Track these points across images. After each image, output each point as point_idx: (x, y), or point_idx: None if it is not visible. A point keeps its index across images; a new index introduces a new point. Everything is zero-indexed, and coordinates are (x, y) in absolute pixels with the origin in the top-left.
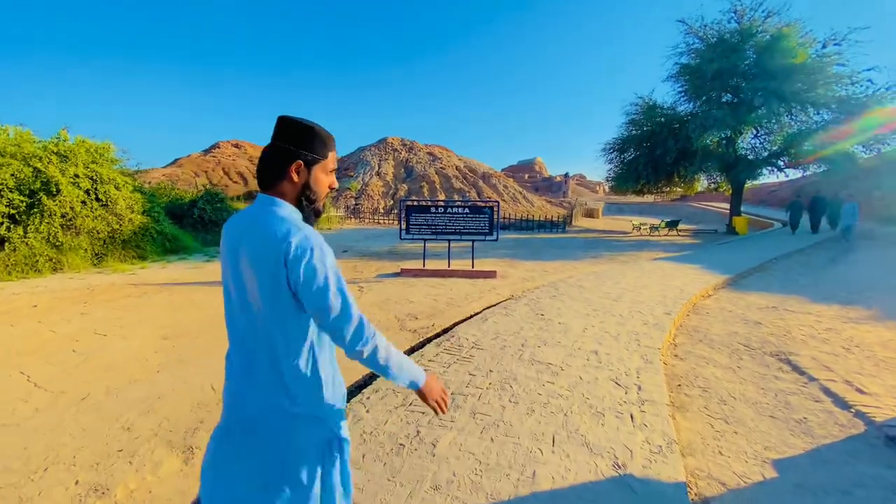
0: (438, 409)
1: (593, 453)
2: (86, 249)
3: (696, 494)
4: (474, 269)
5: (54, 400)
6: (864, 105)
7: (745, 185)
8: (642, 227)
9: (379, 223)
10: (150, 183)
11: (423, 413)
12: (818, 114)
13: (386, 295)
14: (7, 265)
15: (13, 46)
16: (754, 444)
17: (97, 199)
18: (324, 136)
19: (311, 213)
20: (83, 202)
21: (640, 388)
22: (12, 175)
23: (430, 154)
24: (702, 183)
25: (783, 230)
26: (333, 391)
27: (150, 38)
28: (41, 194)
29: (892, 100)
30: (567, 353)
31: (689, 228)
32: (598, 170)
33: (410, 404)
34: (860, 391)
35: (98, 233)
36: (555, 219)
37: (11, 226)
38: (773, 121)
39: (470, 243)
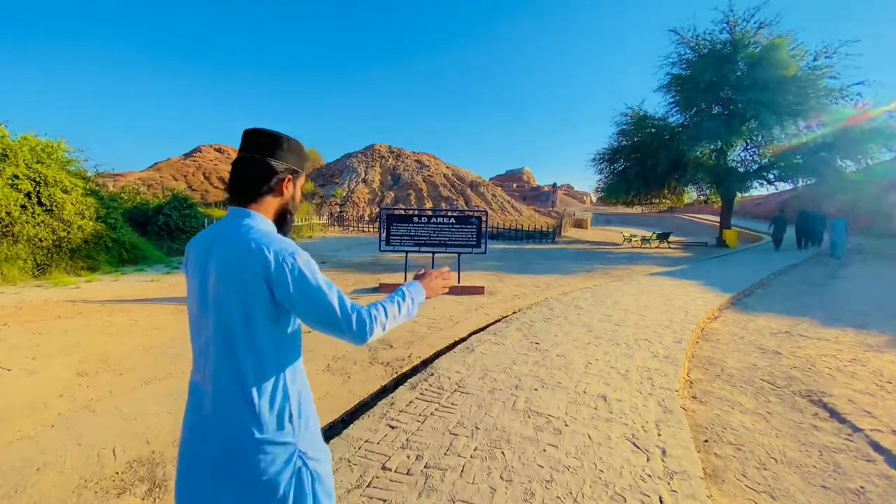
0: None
1: None
2: (25, 260)
3: None
4: (460, 284)
5: None
6: (852, 118)
7: (736, 198)
8: (633, 239)
9: (364, 231)
10: (121, 188)
11: (384, 502)
12: (808, 127)
13: None
14: None
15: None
16: None
17: (40, 204)
18: (302, 147)
19: (289, 227)
20: (23, 206)
21: (664, 451)
22: None
23: (417, 161)
24: (691, 195)
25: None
26: (301, 415)
27: (128, 37)
28: None
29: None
30: (570, 400)
31: (679, 241)
32: (585, 180)
33: (368, 485)
34: None
35: (41, 241)
36: (544, 229)
37: None
38: (765, 133)
39: (456, 256)
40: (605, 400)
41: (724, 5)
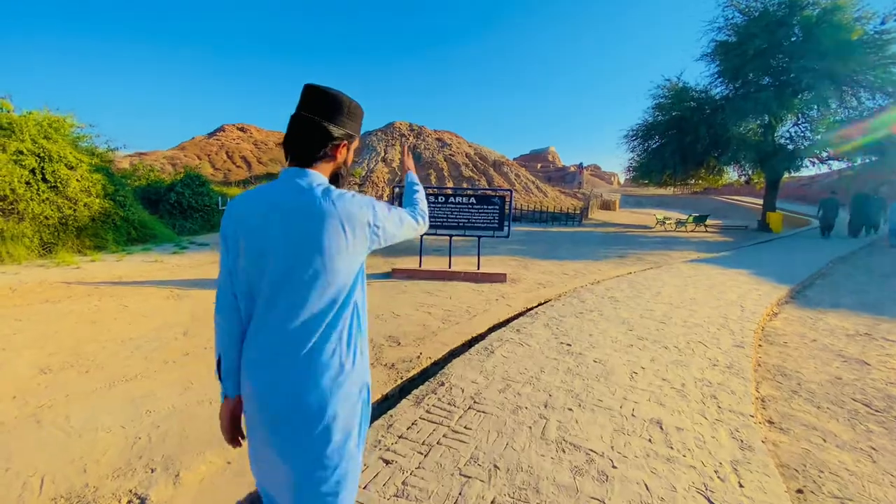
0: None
1: None
2: (31, 238)
3: None
4: (480, 270)
5: None
6: None
7: (783, 178)
8: (667, 222)
9: None
10: (133, 165)
11: None
12: (872, 99)
13: (368, 304)
14: None
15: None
16: None
17: (44, 180)
18: (360, 110)
19: (342, 187)
20: (27, 183)
21: None
22: None
23: (439, 140)
24: (730, 175)
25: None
26: (366, 351)
27: (155, 21)
28: None
29: None
30: (616, 426)
31: (716, 224)
32: (614, 160)
33: None
34: None
35: (46, 219)
36: (570, 211)
37: None
38: (821, 106)
39: (475, 239)
40: (661, 428)
41: None
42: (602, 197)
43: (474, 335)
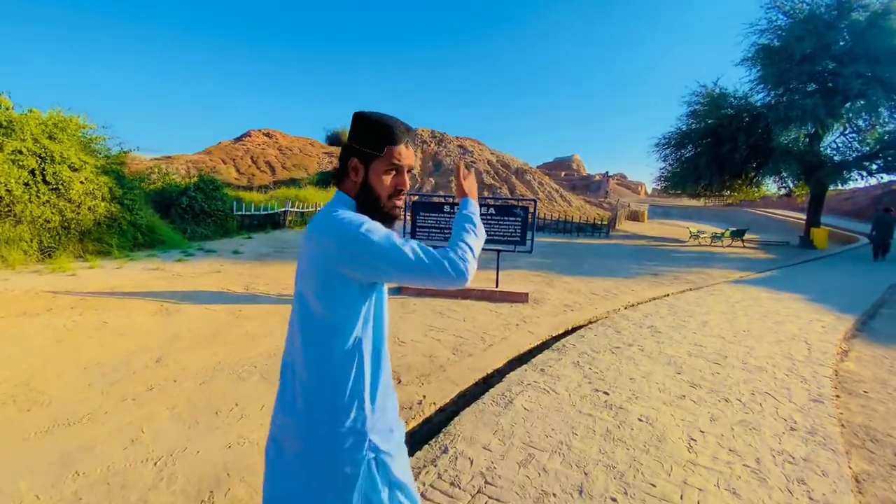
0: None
1: None
2: (30, 242)
3: None
4: (498, 288)
5: None
6: None
7: (829, 192)
8: (701, 236)
9: (400, 220)
10: (148, 168)
11: None
12: None
13: None
14: None
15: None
16: None
17: (45, 182)
18: (381, 128)
19: (379, 216)
20: (26, 184)
21: None
22: None
23: (460, 147)
24: (769, 187)
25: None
26: (376, 400)
27: (179, 24)
28: None
29: None
30: None
31: (753, 239)
32: (642, 169)
33: None
34: None
35: (47, 222)
36: (596, 221)
37: None
38: (871, 115)
39: (495, 253)
40: None
41: None
42: (629, 207)
43: (489, 371)
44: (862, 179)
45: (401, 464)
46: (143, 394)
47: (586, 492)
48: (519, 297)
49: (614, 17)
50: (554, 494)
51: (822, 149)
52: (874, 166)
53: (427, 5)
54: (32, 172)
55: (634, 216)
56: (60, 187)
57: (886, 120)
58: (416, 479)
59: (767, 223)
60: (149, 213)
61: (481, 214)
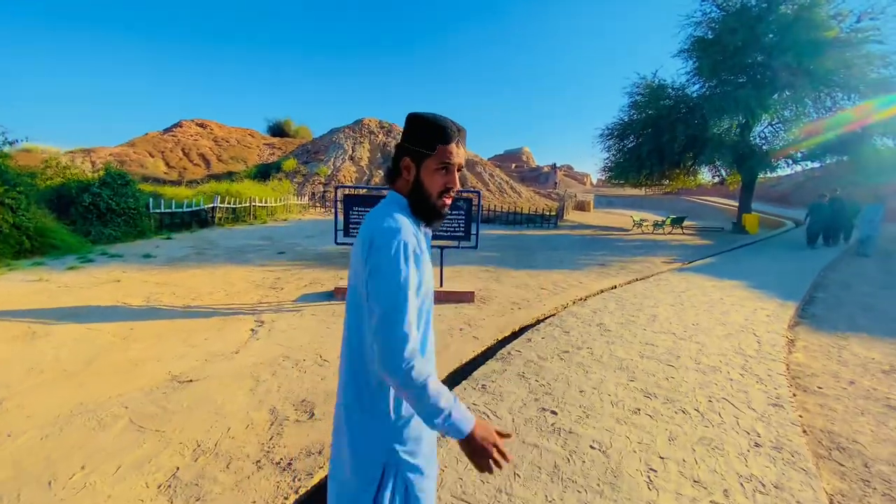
0: (497, 465)
1: None
2: None
3: None
4: (442, 288)
5: None
6: None
7: (759, 179)
8: (644, 224)
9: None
10: (44, 162)
11: None
12: (847, 99)
13: (288, 344)
14: None
15: None
16: None
17: None
18: (432, 127)
19: (427, 214)
20: None
21: None
22: None
23: None
24: (705, 176)
25: (797, 230)
26: (402, 406)
27: (106, 7)
28: None
29: None
30: None
31: (692, 226)
32: (587, 160)
33: None
34: None
35: None
36: (545, 212)
37: None
38: (797, 106)
39: (439, 250)
40: None
41: None
42: (577, 197)
43: None
44: (788, 167)
45: (427, 480)
46: None
47: None
48: (464, 297)
49: (561, 11)
50: None
51: (752, 138)
52: (798, 155)
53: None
54: None
55: (581, 206)
56: None
57: (810, 110)
58: None
59: (703, 210)
60: (39, 213)
61: None
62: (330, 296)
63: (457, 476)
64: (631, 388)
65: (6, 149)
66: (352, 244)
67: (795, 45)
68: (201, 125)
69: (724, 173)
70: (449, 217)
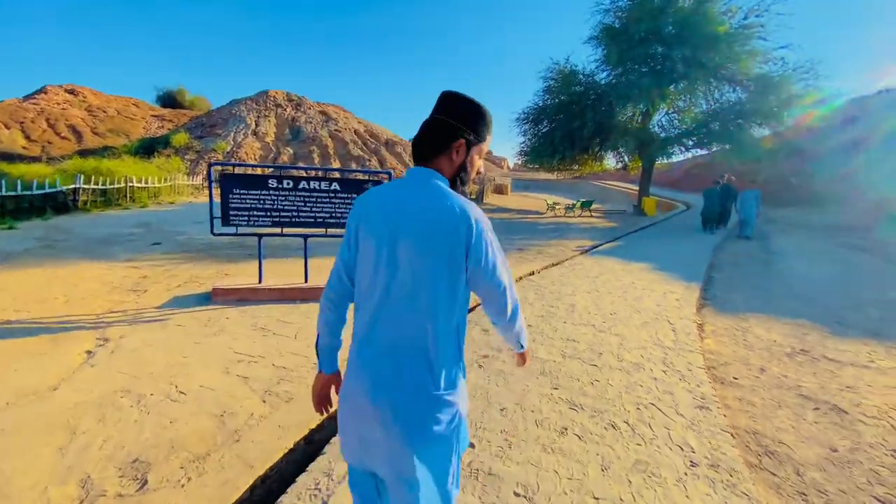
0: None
1: None
2: None
3: None
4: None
5: None
6: (776, 85)
7: (656, 165)
8: (556, 207)
9: None
10: None
11: None
12: (733, 91)
13: (135, 371)
14: None
15: None
16: None
17: None
18: (489, 118)
19: (463, 194)
20: None
21: None
22: None
23: (322, 114)
24: (610, 161)
25: (688, 213)
26: (465, 376)
27: None
28: None
29: (799, 81)
30: None
31: (599, 209)
32: (503, 145)
33: None
34: None
35: None
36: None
37: None
38: (691, 96)
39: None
40: None
41: None
42: (495, 181)
43: (317, 424)
44: (681, 154)
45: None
46: None
47: None
48: None
49: None
50: None
51: (651, 126)
52: (690, 142)
53: None
54: None
55: (500, 189)
56: None
57: (701, 101)
58: None
59: (607, 194)
60: None
61: (320, 193)
62: (206, 298)
63: None
64: (556, 398)
65: None
66: (233, 234)
67: (692, 38)
68: (71, 91)
69: (626, 159)
70: (346, 201)
